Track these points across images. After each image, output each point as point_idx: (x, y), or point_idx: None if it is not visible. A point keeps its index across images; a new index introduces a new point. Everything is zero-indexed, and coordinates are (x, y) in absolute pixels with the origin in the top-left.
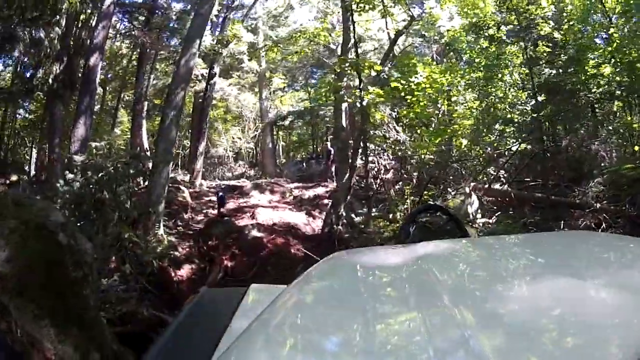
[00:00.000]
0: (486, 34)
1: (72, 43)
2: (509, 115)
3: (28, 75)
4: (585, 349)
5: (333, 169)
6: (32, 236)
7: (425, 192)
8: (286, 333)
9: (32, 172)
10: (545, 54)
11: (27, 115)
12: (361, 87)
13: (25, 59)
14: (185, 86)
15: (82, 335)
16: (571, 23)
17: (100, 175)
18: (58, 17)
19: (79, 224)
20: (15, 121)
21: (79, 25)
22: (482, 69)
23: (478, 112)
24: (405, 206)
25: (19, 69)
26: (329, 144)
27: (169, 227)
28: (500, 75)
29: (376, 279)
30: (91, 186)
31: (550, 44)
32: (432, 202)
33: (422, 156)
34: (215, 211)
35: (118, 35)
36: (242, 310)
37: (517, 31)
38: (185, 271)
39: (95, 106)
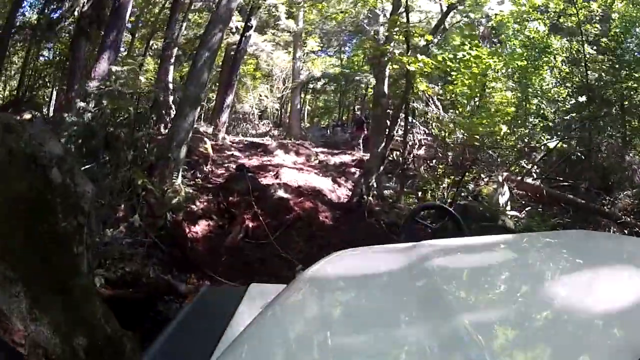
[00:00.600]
0: (535, 24)
1: None
2: (542, 111)
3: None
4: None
5: (361, 138)
6: (17, 170)
7: (467, 173)
8: (286, 333)
9: (51, 113)
10: (588, 56)
11: (50, 57)
12: (409, 53)
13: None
14: (224, 28)
15: (66, 311)
16: (617, 30)
17: (115, 108)
18: None
19: (86, 163)
20: (37, 61)
21: None
22: (525, 58)
23: (512, 103)
24: (443, 185)
25: (46, 9)
26: (359, 112)
27: (187, 178)
28: (544, 68)
29: (378, 280)
30: (105, 118)
31: (595, 47)
32: (431, 202)
33: (464, 136)
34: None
35: None
36: (242, 310)
37: (570, 27)
38: (201, 227)
39: (121, 43)
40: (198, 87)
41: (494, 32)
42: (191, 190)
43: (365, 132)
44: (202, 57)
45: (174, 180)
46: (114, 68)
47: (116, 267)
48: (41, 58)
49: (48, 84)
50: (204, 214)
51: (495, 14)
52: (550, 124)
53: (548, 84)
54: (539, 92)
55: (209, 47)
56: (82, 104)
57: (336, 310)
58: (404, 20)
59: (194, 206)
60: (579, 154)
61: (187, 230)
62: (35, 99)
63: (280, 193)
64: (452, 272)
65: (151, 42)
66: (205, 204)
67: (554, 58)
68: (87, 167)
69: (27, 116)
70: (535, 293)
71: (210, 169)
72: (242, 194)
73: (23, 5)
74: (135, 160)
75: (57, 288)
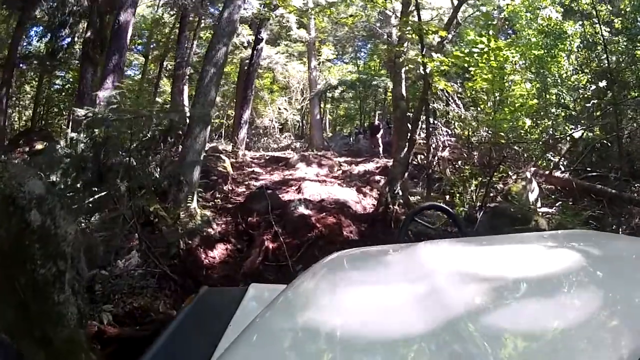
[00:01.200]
0: (548, 11)
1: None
2: (562, 100)
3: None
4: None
5: (380, 144)
6: None
7: (495, 174)
8: (285, 333)
9: None
10: (604, 39)
11: (62, 84)
12: (424, 52)
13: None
14: (228, 42)
15: None
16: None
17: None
18: None
19: (84, 196)
20: (50, 89)
21: None
22: (541, 47)
23: (533, 94)
24: (471, 188)
25: (53, 38)
26: (376, 118)
27: (205, 200)
28: (561, 55)
29: (378, 280)
30: (97, 148)
31: (609, 28)
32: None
33: (488, 133)
34: (258, 183)
35: (159, 1)
36: (242, 310)
37: (584, 9)
38: (218, 252)
39: (124, 66)
40: (206, 105)
41: (507, 23)
42: (209, 213)
43: (383, 137)
44: (208, 74)
45: (189, 204)
46: (101, 94)
47: (125, 303)
48: (55, 86)
49: (63, 112)
50: (221, 237)
51: (507, 4)
52: (573, 112)
53: (566, 72)
54: (558, 81)
55: (214, 62)
56: (73, 135)
57: (336, 310)
58: (416, 19)
59: (210, 230)
60: (604, 141)
61: (204, 256)
62: (49, 127)
63: (301, 209)
64: (452, 272)
65: (165, 63)
66: (223, 226)
67: (570, 44)
68: (86, 201)
69: (39, 146)
70: (538, 294)
71: (230, 188)
72: (261, 214)
73: (30, 35)
74: (137, 188)
75: (40, 339)
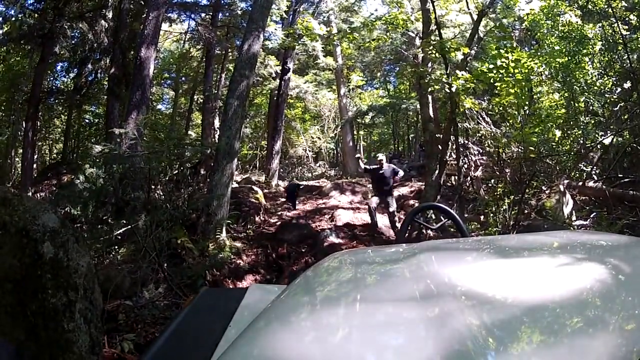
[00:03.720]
0: (568, 17)
1: (123, 37)
2: (591, 107)
3: (78, 73)
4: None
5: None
6: (10, 244)
7: (527, 190)
8: (286, 333)
9: None
10: (623, 37)
11: (91, 118)
12: (448, 71)
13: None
14: (250, 74)
15: None
16: None
17: (126, 167)
18: (104, 10)
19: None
20: (79, 123)
21: (132, 19)
22: (564, 54)
23: (561, 104)
24: (504, 207)
25: (82, 73)
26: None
27: (237, 231)
28: (585, 61)
29: (378, 280)
30: (114, 182)
31: (627, 26)
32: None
33: (519, 149)
34: (291, 213)
35: (185, 36)
36: (242, 310)
37: (600, 9)
38: (246, 283)
39: (150, 101)
40: (232, 138)
41: (529, 33)
42: (239, 244)
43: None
44: (232, 107)
45: (217, 236)
46: (117, 131)
47: (147, 332)
48: (86, 120)
49: (95, 145)
50: (250, 268)
51: (527, 14)
52: (602, 119)
53: (592, 77)
54: (584, 87)
55: (236, 95)
56: (91, 170)
57: (337, 311)
58: (440, 33)
59: (240, 261)
60: (634, 144)
61: (232, 287)
62: (80, 161)
63: (332, 238)
64: (453, 272)
65: (196, 97)
66: (253, 257)
67: (592, 47)
68: (109, 234)
69: (67, 179)
70: (539, 293)
71: (262, 219)
72: (292, 244)
73: (56, 70)
74: (164, 221)
75: None
